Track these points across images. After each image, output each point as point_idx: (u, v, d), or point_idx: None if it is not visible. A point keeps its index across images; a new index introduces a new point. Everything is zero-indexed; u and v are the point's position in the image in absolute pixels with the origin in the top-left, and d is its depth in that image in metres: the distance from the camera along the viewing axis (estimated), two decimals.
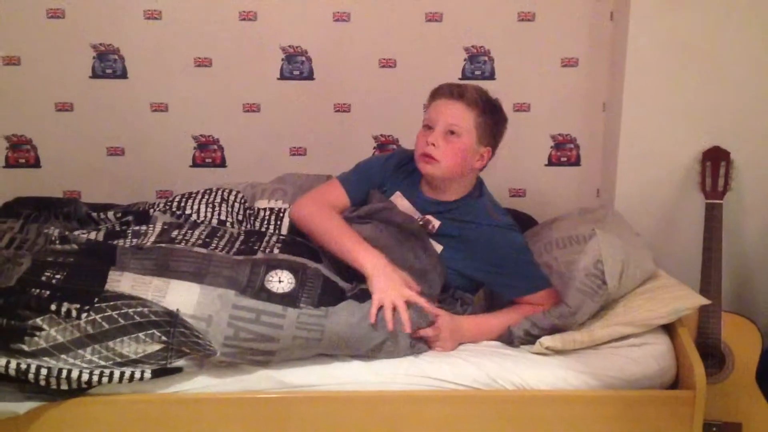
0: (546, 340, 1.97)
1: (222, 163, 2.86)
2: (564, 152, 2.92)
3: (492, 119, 2.14)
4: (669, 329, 2.05)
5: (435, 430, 1.90)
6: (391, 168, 2.27)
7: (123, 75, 2.76)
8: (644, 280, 2.16)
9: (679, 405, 1.90)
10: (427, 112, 2.16)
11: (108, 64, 2.75)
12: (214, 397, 1.85)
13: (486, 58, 2.81)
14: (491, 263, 2.11)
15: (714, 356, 2.38)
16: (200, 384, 1.85)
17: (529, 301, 2.11)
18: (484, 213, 2.16)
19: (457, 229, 2.14)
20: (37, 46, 2.72)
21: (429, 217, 2.16)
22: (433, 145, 2.08)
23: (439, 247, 2.13)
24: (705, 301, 2.07)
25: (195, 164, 2.86)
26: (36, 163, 2.82)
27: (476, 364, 1.93)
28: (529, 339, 2.01)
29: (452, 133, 2.09)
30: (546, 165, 2.92)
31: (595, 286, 2.01)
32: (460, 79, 2.81)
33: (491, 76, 2.81)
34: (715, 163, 2.59)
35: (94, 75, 2.75)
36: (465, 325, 2.04)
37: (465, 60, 2.80)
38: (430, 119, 2.12)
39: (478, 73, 2.80)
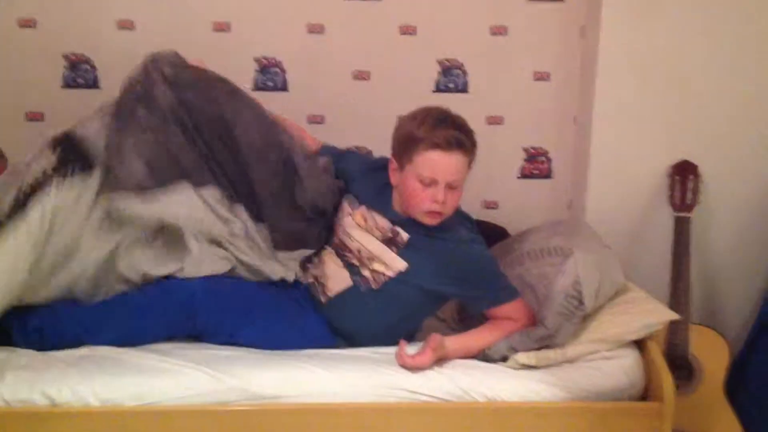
0: (521, 357, 1.99)
1: None
2: (536, 165, 2.93)
3: (474, 153, 2.08)
4: (638, 342, 2.07)
5: None
6: (365, 170, 2.26)
7: (95, 85, 2.74)
8: (615, 292, 2.18)
9: (649, 416, 1.93)
10: (420, 165, 2.01)
11: (80, 74, 2.73)
12: (185, 409, 1.84)
13: (459, 71, 2.82)
14: (457, 277, 2.09)
15: (682, 368, 2.41)
16: (171, 395, 1.84)
17: (499, 314, 2.09)
18: (451, 227, 2.12)
19: (426, 242, 2.09)
20: (8, 56, 2.69)
21: (397, 228, 2.12)
22: (444, 203, 2.03)
23: (403, 264, 2.09)
24: (675, 316, 2.11)
25: None
26: None
27: (448, 376, 1.94)
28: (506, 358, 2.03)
29: (453, 187, 2.03)
30: (519, 177, 2.94)
31: (573, 308, 2.03)
32: (433, 91, 2.82)
33: (464, 89, 2.83)
34: (684, 176, 2.62)
35: (66, 85, 2.73)
36: (448, 344, 2.03)
37: (438, 73, 2.81)
38: (427, 174, 2.01)
39: (451, 86, 2.82)
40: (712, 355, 2.46)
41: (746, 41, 2.58)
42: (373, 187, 2.20)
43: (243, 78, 2.76)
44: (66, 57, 2.72)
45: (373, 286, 2.09)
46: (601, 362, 1.98)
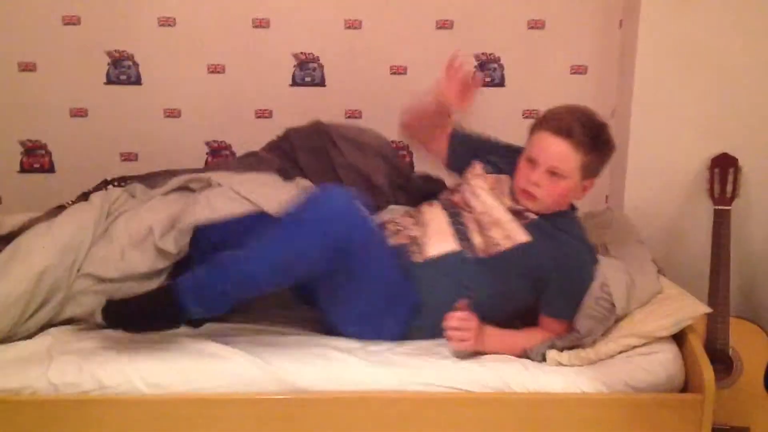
0: (555, 356, 2.02)
1: None
2: None
3: (599, 157, 2.08)
4: (679, 334, 2.08)
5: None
6: (505, 150, 2.26)
7: (137, 81, 2.83)
8: (650, 298, 2.17)
9: (688, 408, 1.94)
10: (530, 141, 2.09)
11: (122, 70, 2.82)
12: (224, 398, 1.89)
13: (496, 65, 2.87)
14: (562, 274, 2.09)
15: (722, 362, 2.41)
16: (211, 384, 1.90)
17: (547, 325, 2.12)
18: (577, 227, 2.16)
19: (550, 229, 2.10)
20: (52, 52, 2.79)
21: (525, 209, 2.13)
22: (536, 185, 2.05)
23: (526, 237, 2.09)
24: (707, 310, 2.11)
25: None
26: (50, 168, 2.90)
27: (492, 369, 1.97)
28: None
29: (555, 174, 2.04)
30: None
31: (605, 311, 2.05)
32: None
33: (501, 83, 2.88)
34: (724, 169, 2.63)
35: (109, 81, 2.82)
36: (488, 331, 2.04)
37: (475, 67, 2.85)
38: (533, 154, 2.06)
39: (488, 80, 2.86)
40: (752, 348, 2.46)
41: None
42: (510, 167, 2.20)
43: (282, 74, 2.84)
44: (109, 53, 2.81)
45: (481, 254, 2.09)
46: (640, 358, 1.99)
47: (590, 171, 2.07)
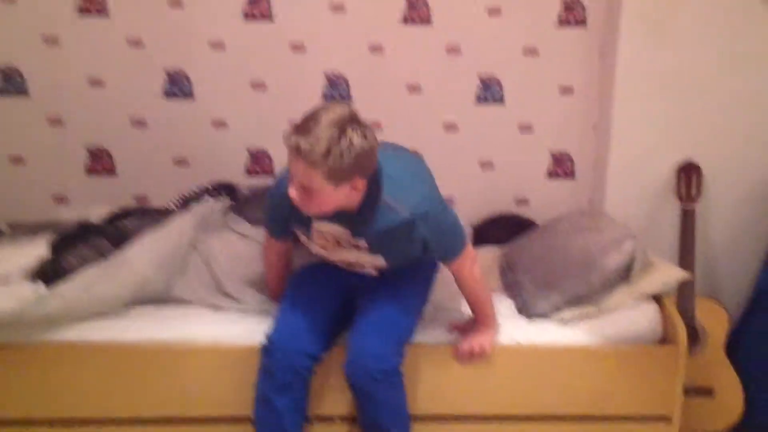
0: (567, 314, 2.38)
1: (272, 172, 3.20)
2: (561, 167, 3.23)
3: (340, 164, 1.92)
4: (655, 301, 2.46)
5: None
6: (288, 201, 2.10)
7: (191, 95, 3.09)
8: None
9: (666, 357, 2.31)
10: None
11: (177, 87, 3.07)
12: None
13: (497, 86, 3.13)
14: (419, 249, 2.17)
15: (690, 334, 2.68)
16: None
17: (455, 268, 2.24)
18: (387, 211, 2.09)
19: (377, 238, 2.12)
20: (117, 70, 3.04)
21: (357, 239, 2.16)
22: (302, 201, 2.01)
23: (382, 260, 2.21)
24: (687, 276, 2.46)
25: (248, 173, 3.21)
26: (112, 172, 3.16)
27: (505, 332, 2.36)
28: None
29: (306, 187, 1.97)
30: (546, 177, 3.24)
31: (620, 279, 2.40)
32: (474, 103, 3.12)
33: (501, 100, 3.13)
34: (688, 174, 2.89)
35: (166, 95, 3.09)
36: (484, 327, 2.34)
37: (479, 87, 3.11)
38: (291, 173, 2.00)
39: (489, 98, 3.12)
40: (714, 322, 2.78)
41: (739, 57, 2.84)
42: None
43: (314, 90, 3.11)
44: (166, 71, 3.07)
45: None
46: (627, 312, 2.35)
47: (342, 177, 1.95)
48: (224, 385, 2.29)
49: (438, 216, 2.12)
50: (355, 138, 1.92)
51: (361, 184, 2.01)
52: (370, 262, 2.23)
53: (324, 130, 1.89)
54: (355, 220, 2.11)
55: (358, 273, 2.32)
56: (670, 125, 2.94)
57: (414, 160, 2.32)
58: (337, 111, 1.94)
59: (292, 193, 1.99)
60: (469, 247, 2.24)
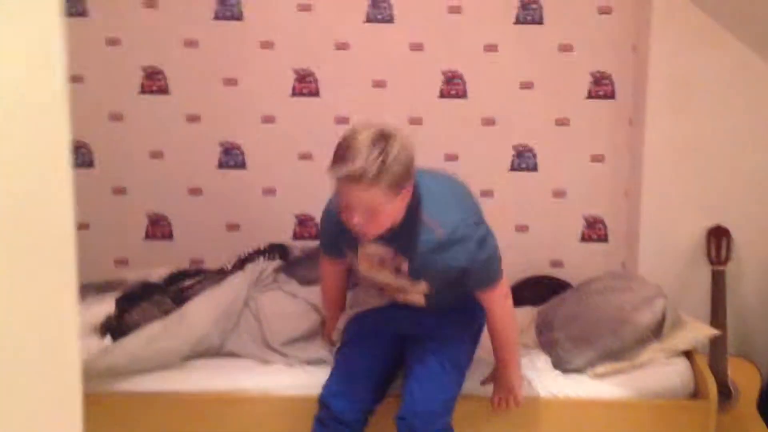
0: (600, 369, 2.48)
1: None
2: (594, 231, 3.35)
3: (391, 178, 1.95)
4: (687, 357, 2.56)
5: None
6: (340, 224, 2.16)
7: (243, 166, 3.30)
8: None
9: (697, 412, 2.40)
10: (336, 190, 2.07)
11: (231, 157, 3.29)
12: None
13: (530, 154, 3.30)
14: (457, 271, 2.17)
15: (723, 392, 2.74)
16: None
17: (485, 297, 2.27)
18: (426, 230, 2.13)
19: (417, 258, 2.15)
20: (176, 143, 3.27)
21: (399, 257, 2.19)
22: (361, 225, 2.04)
23: (424, 285, 2.24)
24: (717, 332, 2.58)
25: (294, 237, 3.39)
26: (170, 237, 3.39)
27: (540, 383, 2.48)
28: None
29: (370, 209, 1.99)
30: (580, 241, 3.36)
31: (652, 336, 2.51)
32: (508, 170, 3.30)
33: (534, 169, 3.29)
34: (718, 238, 3.01)
35: (220, 166, 3.30)
36: (512, 375, 2.38)
37: (513, 156, 3.29)
38: (344, 202, 2.05)
39: (524, 166, 3.29)
40: (747, 380, 2.86)
41: (763, 125, 2.98)
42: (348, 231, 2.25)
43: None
44: (221, 144, 3.29)
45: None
46: (659, 368, 2.46)
47: (395, 188, 1.99)
48: None
49: (478, 242, 2.14)
50: (397, 146, 1.96)
51: (408, 192, 2.07)
52: (412, 287, 2.28)
53: (367, 150, 1.93)
54: (398, 236, 2.14)
55: (408, 306, 2.39)
56: (699, 191, 3.05)
57: (454, 181, 2.37)
58: (368, 130, 1.98)
59: (356, 221, 2.01)
60: (505, 281, 2.27)
